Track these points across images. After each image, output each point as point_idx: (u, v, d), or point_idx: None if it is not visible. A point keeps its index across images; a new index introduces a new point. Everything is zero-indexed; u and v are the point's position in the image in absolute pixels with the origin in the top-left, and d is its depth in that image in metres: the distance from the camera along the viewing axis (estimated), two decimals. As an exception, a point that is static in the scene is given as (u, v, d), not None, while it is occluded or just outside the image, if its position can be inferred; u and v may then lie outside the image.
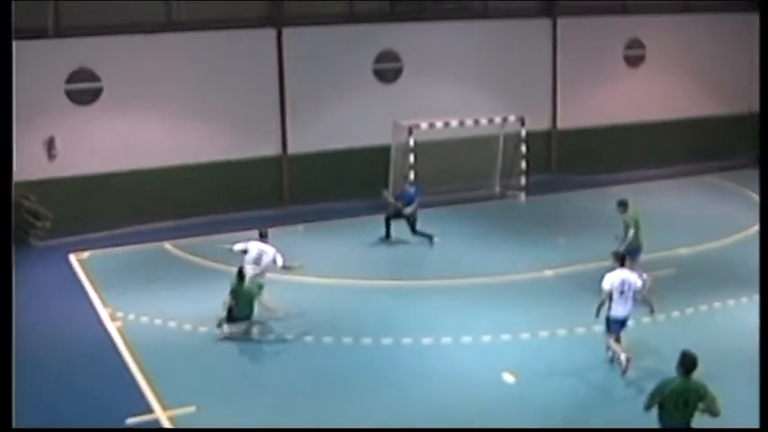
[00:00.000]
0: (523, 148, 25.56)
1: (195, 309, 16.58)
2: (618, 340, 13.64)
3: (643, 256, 17.25)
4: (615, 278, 13.60)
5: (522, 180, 25.65)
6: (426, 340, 14.82)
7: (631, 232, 17.09)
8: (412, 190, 21.59)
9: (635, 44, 28.67)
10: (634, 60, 28.80)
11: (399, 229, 21.21)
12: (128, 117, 22.98)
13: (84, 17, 21.83)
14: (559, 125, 28.20)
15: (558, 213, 24.06)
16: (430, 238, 21.01)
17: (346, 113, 25.30)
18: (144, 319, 16.18)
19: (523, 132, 25.47)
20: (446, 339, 14.84)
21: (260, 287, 15.84)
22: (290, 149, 24.93)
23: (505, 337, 14.90)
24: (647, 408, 9.92)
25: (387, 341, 14.82)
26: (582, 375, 13.41)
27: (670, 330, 15.11)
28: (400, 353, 14.48)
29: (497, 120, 25.31)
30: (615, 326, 13.62)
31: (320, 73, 24.86)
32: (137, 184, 23.27)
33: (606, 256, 16.20)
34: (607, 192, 25.48)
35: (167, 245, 21.14)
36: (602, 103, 28.52)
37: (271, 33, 24.23)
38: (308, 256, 19.69)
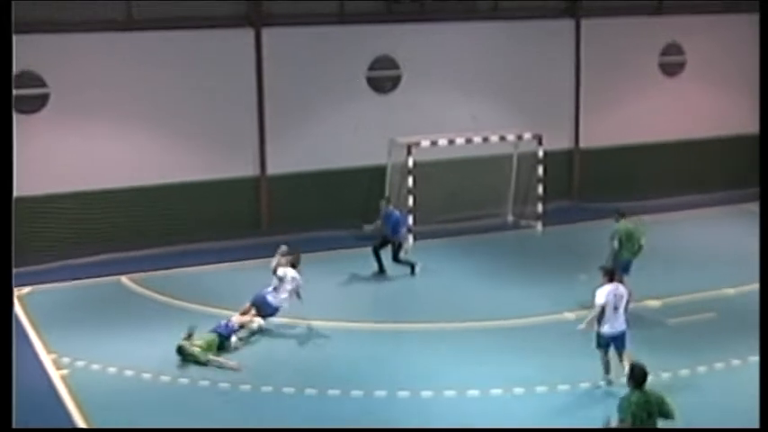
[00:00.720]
0: (540, 171, 25.54)
1: (156, 354, 16.46)
2: (614, 356, 14.76)
3: (683, 297, 17.20)
4: (607, 293, 14.64)
5: (539, 207, 25.61)
6: (426, 393, 14.71)
7: (615, 244, 18.76)
8: (397, 213, 21.72)
9: (673, 49, 28.83)
10: (671, 68, 28.94)
11: (396, 267, 21.19)
12: (79, 129, 22.94)
13: (30, 11, 21.35)
14: (582, 144, 28.23)
15: (580, 246, 23.96)
16: (412, 267, 21.16)
17: (335, 128, 25.31)
18: (95, 366, 16.02)
19: (540, 152, 25.46)
20: (449, 392, 14.73)
21: (208, 346, 16.37)
22: (270, 169, 24.90)
23: (518, 390, 14.80)
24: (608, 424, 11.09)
25: (380, 394, 14.71)
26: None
27: (710, 383, 15.03)
28: (396, 407, 14.37)
29: (510, 137, 25.34)
30: (603, 341, 14.81)
31: (305, 81, 24.90)
32: (88, 208, 23.17)
33: (638, 298, 16.26)
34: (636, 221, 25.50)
35: (124, 279, 21.04)
36: (633, 119, 28.59)
37: (248, 34, 24.28)
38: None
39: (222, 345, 16.66)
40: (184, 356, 16.19)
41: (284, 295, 17.77)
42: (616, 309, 14.67)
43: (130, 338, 17.42)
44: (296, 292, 17.83)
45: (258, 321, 17.60)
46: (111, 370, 15.85)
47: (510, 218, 26.20)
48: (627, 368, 13.07)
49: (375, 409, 14.29)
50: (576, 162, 28.25)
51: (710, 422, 13.38)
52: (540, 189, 25.61)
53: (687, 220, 25.55)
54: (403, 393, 14.71)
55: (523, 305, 19.07)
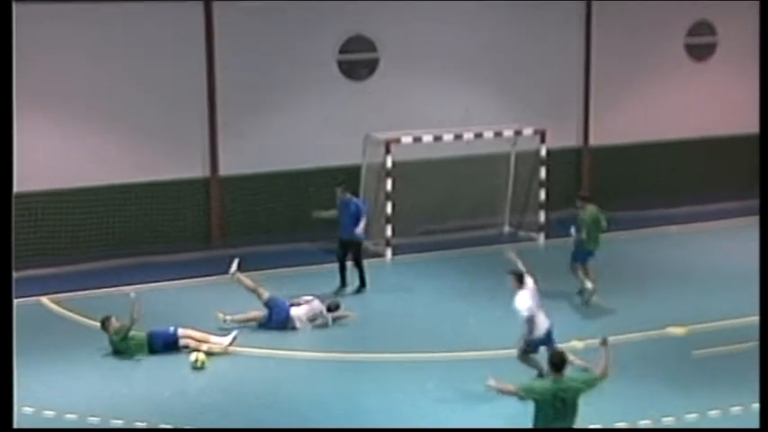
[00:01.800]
0: (543, 173, 25.55)
1: (84, 390, 16.39)
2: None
3: (712, 324, 17.16)
4: (528, 298, 15.90)
5: (541, 216, 25.61)
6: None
7: (584, 234, 20.44)
8: (357, 201, 21.60)
9: (702, 29, 28.94)
10: (700, 51, 29.03)
11: (372, 285, 21.12)
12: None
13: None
14: (592, 141, 28.30)
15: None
16: (363, 284, 21.28)
17: (300, 122, 25.28)
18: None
19: (543, 151, 25.49)
20: (435, 437, 14.63)
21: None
22: (222, 169, 24.85)
23: (516, 434, 14.72)
24: (501, 393, 12.39)
25: (350, 438, 14.61)
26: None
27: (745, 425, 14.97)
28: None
29: (508, 133, 25.35)
30: (540, 344, 15.92)
31: (264, 65, 24.86)
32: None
33: (660, 325, 16.26)
34: (657, 233, 25.52)
35: (45, 300, 20.90)
36: (653, 112, 28.69)
37: (196, 8, 24.21)
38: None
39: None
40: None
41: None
42: (541, 307, 16.08)
43: (52, 372, 17.24)
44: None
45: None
46: (27, 410, 15.61)
47: (507, 228, 26.21)
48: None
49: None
50: (585, 162, 28.30)
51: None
52: (543, 194, 25.62)
53: (718, 231, 25.57)
54: (380, 437, 14.61)
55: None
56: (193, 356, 17.51)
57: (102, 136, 23.83)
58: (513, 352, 17.78)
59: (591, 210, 20.92)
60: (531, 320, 15.83)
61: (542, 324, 16.04)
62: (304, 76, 25.25)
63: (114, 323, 18.01)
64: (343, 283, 21.30)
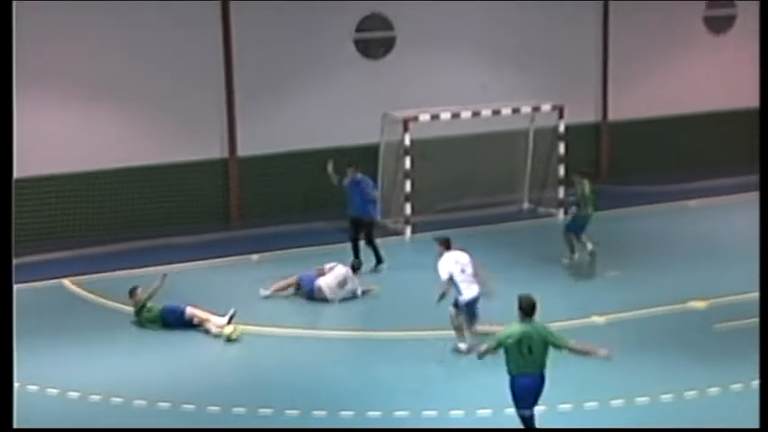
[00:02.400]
0: (561, 149, 25.50)
1: (106, 372, 16.40)
2: (465, 328, 16.61)
3: (734, 298, 17.14)
4: (450, 262, 16.66)
5: (560, 192, 25.56)
6: (428, 413, 14.62)
7: (590, 210, 21.27)
8: (368, 180, 21.58)
9: (721, 1, 28.72)
10: (719, 24, 28.88)
11: (391, 263, 21.13)
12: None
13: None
14: (611, 116, 28.23)
15: (609, 238, 23.91)
16: (379, 260, 21.34)
17: (317, 102, 25.28)
18: (32, 388, 15.91)
19: (561, 126, 25.43)
20: (456, 413, 14.64)
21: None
22: (240, 150, 24.87)
23: (538, 408, 14.67)
24: (481, 355, 12.90)
25: (373, 414, 14.63)
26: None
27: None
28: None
29: (526, 110, 25.29)
30: (468, 307, 16.64)
31: (281, 45, 24.82)
32: (23, 199, 23.06)
33: (682, 299, 16.21)
34: (676, 208, 25.45)
35: (66, 282, 20.97)
36: (672, 86, 28.59)
37: (213, -10, 24.25)
38: (263, 298, 19.63)
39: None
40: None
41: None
42: (463, 272, 16.68)
43: (75, 353, 17.32)
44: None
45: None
46: (52, 392, 15.74)
47: (526, 205, 26.18)
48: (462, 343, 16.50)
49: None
50: (604, 138, 28.24)
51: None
52: (562, 170, 25.56)
53: (739, 205, 25.44)
54: (401, 414, 14.62)
55: (543, 308, 18.79)
56: (228, 329, 17.62)
57: (122, 118, 23.91)
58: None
59: (589, 184, 21.48)
60: (451, 283, 16.56)
61: (469, 286, 16.73)
62: (321, 56, 25.23)
63: (139, 294, 18.38)
64: (357, 256, 21.34)
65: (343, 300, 19.46)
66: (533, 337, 12.40)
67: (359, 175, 21.45)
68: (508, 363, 12.58)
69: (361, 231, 21.25)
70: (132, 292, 18.53)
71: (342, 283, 19.53)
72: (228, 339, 17.61)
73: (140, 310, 18.28)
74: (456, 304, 16.73)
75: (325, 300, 19.31)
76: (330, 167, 21.60)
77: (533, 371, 12.52)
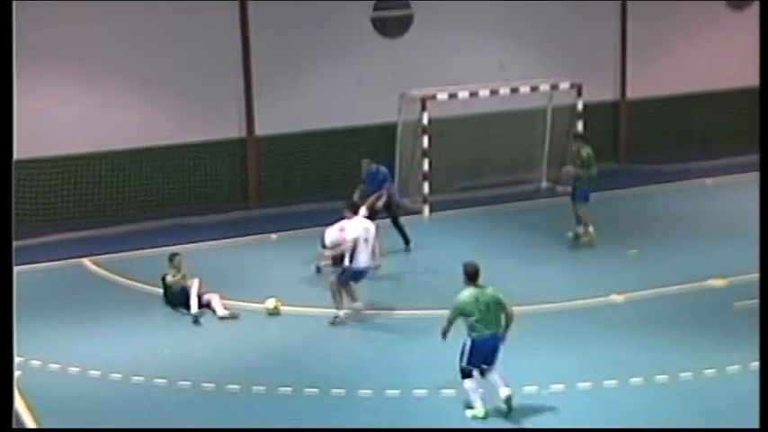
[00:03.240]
0: (580, 127, 25.44)
1: (127, 350, 16.46)
2: (347, 293, 17.12)
3: (753, 276, 17.12)
4: (358, 228, 17.21)
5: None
6: (447, 392, 14.64)
7: (593, 171, 21.21)
8: (383, 168, 21.53)
9: (742, -26, 28.62)
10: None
11: (398, 236, 21.15)
12: (33, 84, 22.84)
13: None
14: (630, 94, 28.13)
15: (628, 217, 23.91)
16: (407, 242, 21.29)
17: (335, 81, 25.26)
18: (53, 366, 16.00)
19: (580, 105, 25.37)
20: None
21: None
22: (258, 130, 24.88)
23: (557, 387, 14.73)
24: (446, 332, 13.58)
25: (392, 393, 14.66)
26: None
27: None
28: (411, 408, 14.32)
29: (544, 88, 25.23)
30: (356, 276, 17.22)
31: (298, 24, 24.80)
32: (44, 179, 23.19)
33: (701, 277, 16.16)
34: (695, 186, 25.36)
35: (86, 262, 21.05)
36: (691, 63, 28.47)
37: (230, -31, 24.23)
38: (282, 277, 19.65)
39: None
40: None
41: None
42: (366, 241, 17.22)
43: (95, 332, 17.38)
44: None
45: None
46: (73, 370, 15.81)
47: (544, 184, 26.15)
48: (355, 305, 17.31)
49: (386, 411, 14.23)
50: (623, 116, 28.15)
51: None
52: (580, 149, 25.49)
53: (757, 183, 25.32)
54: (420, 392, 14.64)
55: (562, 286, 18.99)
56: (270, 303, 17.80)
57: (141, 99, 23.98)
58: (552, 306, 17.90)
59: (588, 148, 21.57)
60: (352, 249, 17.10)
61: (362, 260, 17.23)
62: (338, 35, 25.21)
63: (177, 263, 18.40)
64: (406, 240, 21.41)
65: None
66: (486, 295, 13.36)
67: (374, 166, 21.48)
68: (470, 328, 13.37)
69: (385, 213, 21.19)
70: (173, 258, 18.46)
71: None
72: (272, 312, 17.77)
73: (162, 279, 18.32)
74: (343, 274, 17.25)
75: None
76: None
77: (493, 330, 13.38)
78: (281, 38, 24.70)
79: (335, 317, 17.28)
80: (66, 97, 23.36)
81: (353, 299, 17.46)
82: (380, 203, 20.87)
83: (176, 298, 18.22)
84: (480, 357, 13.45)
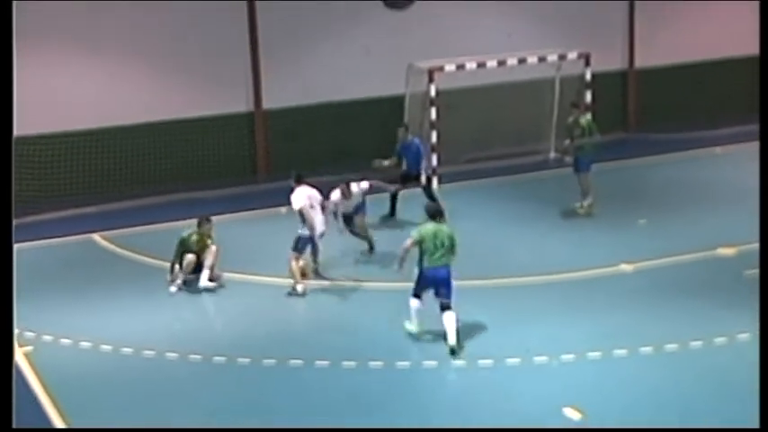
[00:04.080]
0: (588, 97, 25.38)
1: (138, 325, 16.52)
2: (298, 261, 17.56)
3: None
4: (302, 197, 17.68)
5: (588, 141, 25.48)
6: (458, 363, 14.69)
7: (597, 137, 21.11)
8: (417, 141, 21.63)
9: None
10: (749, -36, 28.50)
11: (409, 204, 21.13)
12: (40, 59, 22.87)
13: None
14: (638, 63, 28.04)
15: (637, 186, 23.88)
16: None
17: (341, 53, 25.20)
18: (65, 341, 16.06)
19: (588, 75, 25.29)
20: (485, 362, 14.69)
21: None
22: (266, 103, 24.87)
23: (567, 357, 14.76)
24: (402, 260, 15.23)
25: (403, 364, 14.70)
26: (674, 409, 13.25)
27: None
28: (422, 380, 14.37)
29: (552, 58, 25.16)
30: (305, 244, 17.80)
31: (305, -3, 24.76)
32: (52, 155, 23.22)
33: (711, 246, 16.12)
34: (706, 156, 25.32)
35: (96, 237, 21.10)
36: (700, 30, 28.36)
37: (235, -58, 24.16)
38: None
39: None
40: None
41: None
42: (313, 207, 17.79)
43: (106, 307, 17.44)
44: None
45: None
46: (85, 345, 15.86)
47: (552, 154, 26.10)
48: (313, 268, 18.19)
49: (397, 383, 14.27)
50: (632, 85, 28.07)
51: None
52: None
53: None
54: (430, 363, 14.68)
55: (571, 257, 19.00)
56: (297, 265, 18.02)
57: (148, 74, 23.98)
58: (562, 277, 17.91)
59: (588, 116, 21.67)
60: (300, 216, 17.61)
61: (316, 226, 17.58)
62: (345, 7, 25.12)
63: (205, 228, 18.31)
64: (393, 212, 21.40)
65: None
66: (443, 232, 15.05)
67: (410, 137, 21.60)
68: (422, 258, 15.06)
69: (408, 184, 21.36)
70: (204, 220, 18.45)
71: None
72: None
73: (184, 240, 18.24)
74: (297, 239, 17.73)
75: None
76: (378, 164, 21.67)
77: (445, 263, 15.06)
78: (288, 10, 24.64)
79: (296, 291, 17.63)
80: (73, 73, 23.36)
81: (315, 265, 18.33)
82: (392, 188, 21.12)
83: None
84: (430, 284, 15.19)
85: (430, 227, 15.10)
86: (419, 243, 15.00)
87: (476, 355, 14.88)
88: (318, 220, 17.79)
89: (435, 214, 15.37)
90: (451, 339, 14.89)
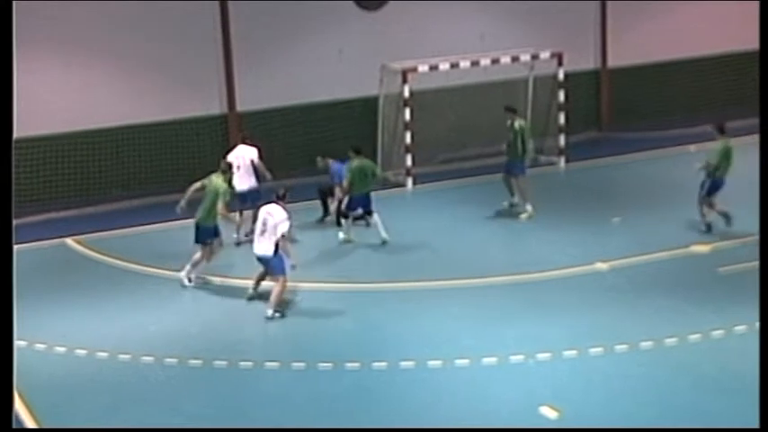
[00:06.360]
0: (561, 96, 25.46)
1: (113, 329, 16.46)
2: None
3: (736, 241, 17.15)
4: (233, 156, 20.25)
5: (561, 140, 25.56)
6: (434, 363, 14.70)
7: (530, 146, 21.63)
8: (337, 165, 21.42)
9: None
10: (721, -38, 28.70)
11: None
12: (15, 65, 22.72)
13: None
14: (611, 62, 28.15)
15: (611, 185, 23.99)
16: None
17: (315, 55, 25.18)
18: (39, 346, 15.99)
19: (561, 74, 25.36)
20: (462, 362, 14.71)
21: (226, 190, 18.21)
22: (240, 105, 24.82)
23: (543, 356, 14.79)
24: (349, 193, 19.98)
25: (379, 365, 14.69)
26: (651, 407, 13.30)
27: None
28: (399, 381, 14.35)
29: (525, 58, 25.21)
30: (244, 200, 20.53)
31: (278, -1, 24.73)
32: (24, 158, 23.10)
33: (685, 243, 16.17)
34: (679, 153, 25.46)
35: (69, 241, 21.05)
36: (674, 29, 28.51)
37: (207, -56, 24.10)
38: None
39: None
40: None
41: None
42: (238, 168, 19.98)
43: (80, 312, 17.40)
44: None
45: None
46: (60, 350, 15.81)
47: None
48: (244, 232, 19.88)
49: (374, 383, 14.27)
50: (604, 84, 28.17)
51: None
52: (562, 118, 25.55)
53: (739, 149, 25.42)
54: (406, 364, 14.68)
55: (547, 256, 19.05)
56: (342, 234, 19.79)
57: (120, 77, 23.89)
58: (537, 276, 17.93)
59: (521, 120, 21.84)
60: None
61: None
62: (318, 8, 25.10)
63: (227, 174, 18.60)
64: (326, 212, 21.70)
65: None
66: (367, 165, 20.00)
67: (329, 161, 21.37)
68: (354, 187, 19.70)
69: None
70: (226, 171, 18.68)
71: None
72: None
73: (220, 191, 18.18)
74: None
75: None
76: (320, 161, 21.60)
77: (369, 189, 20.01)
78: (260, 12, 24.61)
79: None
80: (45, 77, 23.24)
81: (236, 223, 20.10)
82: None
83: (208, 229, 18.23)
84: (360, 205, 20.04)
85: (358, 163, 19.79)
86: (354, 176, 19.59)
87: (452, 354, 14.89)
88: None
89: (359, 151, 20.06)
90: (382, 232, 19.89)
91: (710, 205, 19.80)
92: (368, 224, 20.74)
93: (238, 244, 19.98)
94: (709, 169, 19.63)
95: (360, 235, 20.47)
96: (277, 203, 17.07)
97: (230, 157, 20.09)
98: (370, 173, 19.97)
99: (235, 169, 19.62)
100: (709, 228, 19.66)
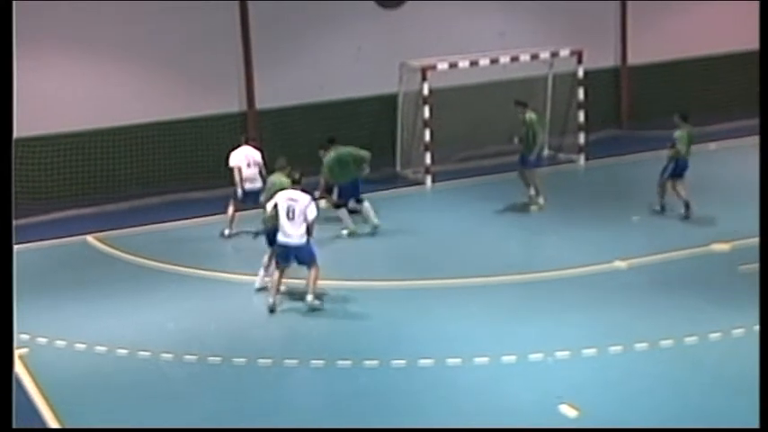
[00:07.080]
0: (581, 94, 25.42)
1: (133, 326, 16.50)
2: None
3: (757, 240, 17.07)
4: (239, 156, 20.53)
5: (581, 138, 25.52)
6: (453, 361, 14.69)
7: (541, 137, 21.87)
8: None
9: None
10: (742, -41, 28.55)
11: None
12: (30, 62, 22.78)
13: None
14: (631, 60, 28.08)
15: (631, 182, 23.90)
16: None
17: (334, 53, 25.18)
18: (60, 343, 16.04)
19: (581, 72, 25.33)
20: (480, 360, 14.70)
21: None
22: (259, 103, 24.84)
23: (563, 354, 14.78)
24: (328, 183, 20.32)
25: (398, 363, 14.69)
26: (670, 406, 13.28)
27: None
28: (418, 379, 14.35)
29: (544, 55, 25.19)
30: (244, 197, 20.37)
31: (297, -3, 24.75)
32: (45, 156, 23.20)
33: (705, 242, 16.07)
34: (697, 151, 25.35)
35: (90, 239, 21.10)
36: (693, 26, 28.37)
37: (227, -58, 24.14)
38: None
39: None
40: None
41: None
42: (249, 166, 20.40)
43: (101, 309, 17.41)
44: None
45: None
46: (80, 347, 15.84)
47: (546, 151, 26.09)
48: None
49: (392, 381, 14.27)
50: (624, 82, 28.11)
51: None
52: (582, 116, 25.52)
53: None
54: (425, 362, 14.68)
55: (566, 254, 19.02)
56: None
57: (140, 75, 23.95)
58: (556, 274, 17.92)
59: (531, 113, 21.80)
60: (233, 171, 20.34)
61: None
62: (337, 7, 25.10)
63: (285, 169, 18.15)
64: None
65: None
66: (345, 153, 20.18)
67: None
68: (337, 175, 20.10)
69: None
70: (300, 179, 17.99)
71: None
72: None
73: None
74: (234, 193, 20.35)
75: None
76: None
77: (353, 176, 20.11)
78: (279, 10, 24.63)
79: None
80: (65, 74, 23.34)
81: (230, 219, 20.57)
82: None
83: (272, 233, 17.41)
84: (350, 194, 20.18)
85: (334, 154, 20.04)
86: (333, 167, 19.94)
87: (471, 352, 14.88)
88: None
89: (333, 140, 20.39)
90: (373, 218, 20.18)
91: (674, 188, 20.52)
92: (357, 212, 20.64)
93: (229, 236, 20.57)
94: (678, 156, 20.50)
95: (377, 233, 20.45)
96: (295, 188, 16.93)
97: (238, 157, 20.62)
98: (351, 160, 20.07)
99: (245, 167, 20.51)
100: (662, 209, 20.66)
